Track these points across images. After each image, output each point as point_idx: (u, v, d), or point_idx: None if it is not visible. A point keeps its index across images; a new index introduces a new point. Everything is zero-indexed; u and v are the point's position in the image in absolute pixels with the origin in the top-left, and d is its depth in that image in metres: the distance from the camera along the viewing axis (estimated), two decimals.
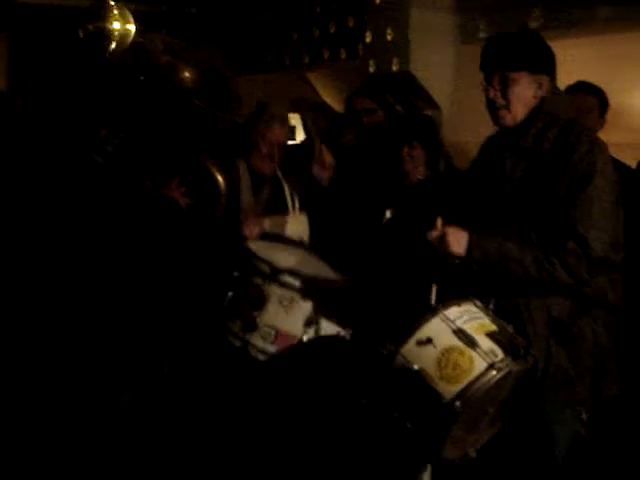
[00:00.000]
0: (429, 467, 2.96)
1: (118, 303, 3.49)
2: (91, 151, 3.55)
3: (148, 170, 3.72)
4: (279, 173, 4.25)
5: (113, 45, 3.87)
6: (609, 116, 5.31)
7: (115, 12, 4.53)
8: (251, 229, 3.88)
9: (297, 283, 3.28)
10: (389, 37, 6.59)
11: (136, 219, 3.51)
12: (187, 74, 3.87)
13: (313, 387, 3.45)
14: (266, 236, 3.88)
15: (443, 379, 2.63)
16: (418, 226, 3.09)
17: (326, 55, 7.43)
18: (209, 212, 3.80)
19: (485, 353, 2.67)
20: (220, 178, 3.79)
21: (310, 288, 3.29)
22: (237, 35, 8.15)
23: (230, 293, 3.39)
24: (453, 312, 2.80)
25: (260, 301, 3.27)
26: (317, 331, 3.26)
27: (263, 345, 3.25)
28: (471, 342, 2.69)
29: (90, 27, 4.21)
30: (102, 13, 4.51)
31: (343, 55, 7.22)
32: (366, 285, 3.52)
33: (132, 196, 3.56)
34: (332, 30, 7.28)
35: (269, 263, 3.33)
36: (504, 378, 2.66)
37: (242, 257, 3.47)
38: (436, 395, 2.62)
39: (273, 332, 3.24)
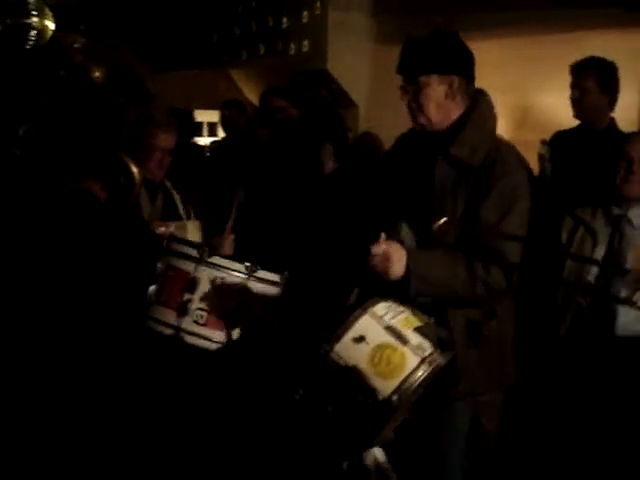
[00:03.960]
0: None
1: (33, 297, 3.48)
2: (9, 144, 3.55)
3: (65, 164, 3.73)
4: (168, 183, 4.31)
5: (32, 40, 3.85)
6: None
7: (34, 7, 4.49)
8: (162, 230, 3.93)
9: (226, 263, 3.25)
10: (307, 36, 6.70)
11: (54, 213, 3.52)
12: (98, 73, 3.90)
13: (243, 380, 3.47)
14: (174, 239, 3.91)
15: (378, 375, 2.70)
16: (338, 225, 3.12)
17: (245, 53, 7.44)
18: (123, 203, 3.81)
19: (416, 348, 2.74)
20: (134, 169, 3.79)
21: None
22: (156, 32, 8.12)
23: (152, 286, 3.36)
24: (380, 308, 2.84)
25: (191, 285, 3.27)
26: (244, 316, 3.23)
27: (194, 328, 3.24)
28: (401, 338, 2.76)
29: (8, 21, 4.17)
30: (21, 8, 4.47)
31: (262, 51, 7.25)
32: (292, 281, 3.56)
33: (50, 189, 3.56)
34: (253, 28, 7.31)
35: (197, 245, 3.34)
36: (433, 372, 2.73)
37: (159, 248, 3.45)
38: (372, 391, 2.68)
39: (205, 314, 3.25)
